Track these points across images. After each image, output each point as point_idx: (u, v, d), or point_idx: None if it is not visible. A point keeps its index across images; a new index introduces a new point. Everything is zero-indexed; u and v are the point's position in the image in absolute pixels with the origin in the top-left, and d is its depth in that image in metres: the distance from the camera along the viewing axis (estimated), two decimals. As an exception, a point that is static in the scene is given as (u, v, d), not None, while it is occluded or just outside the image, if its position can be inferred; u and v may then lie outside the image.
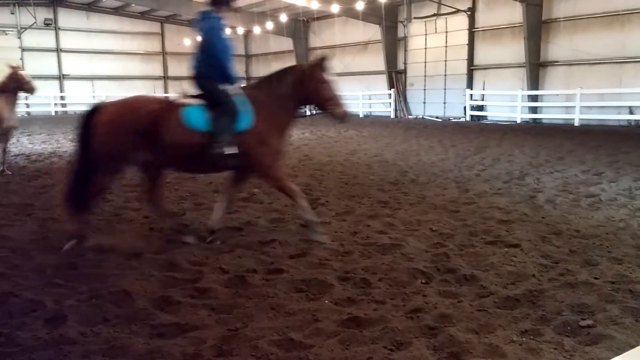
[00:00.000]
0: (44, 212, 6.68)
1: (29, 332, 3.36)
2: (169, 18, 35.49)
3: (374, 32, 28.35)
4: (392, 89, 27.81)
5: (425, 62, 26.93)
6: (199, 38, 5.37)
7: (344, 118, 5.45)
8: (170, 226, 5.68)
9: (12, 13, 30.33)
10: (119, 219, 6.36)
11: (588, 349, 3.07)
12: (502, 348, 3.07)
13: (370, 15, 26.78)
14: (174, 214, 6.36)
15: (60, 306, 3.73)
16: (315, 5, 25.39)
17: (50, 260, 4.79)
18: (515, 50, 22.54)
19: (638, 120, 18.99)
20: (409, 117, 27.16)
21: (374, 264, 4.62)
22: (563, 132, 17.28)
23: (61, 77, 33.07)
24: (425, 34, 26.74)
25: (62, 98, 33.11)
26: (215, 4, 5.36)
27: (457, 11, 24.83)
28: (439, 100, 26.44)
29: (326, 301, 3.86)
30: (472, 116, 23.95)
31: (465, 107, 24.31)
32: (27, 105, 32.03)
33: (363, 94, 28.92)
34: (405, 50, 27.92)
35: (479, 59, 24.62)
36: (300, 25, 32.95)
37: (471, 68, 24.84)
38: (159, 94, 35.46)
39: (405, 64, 28.06)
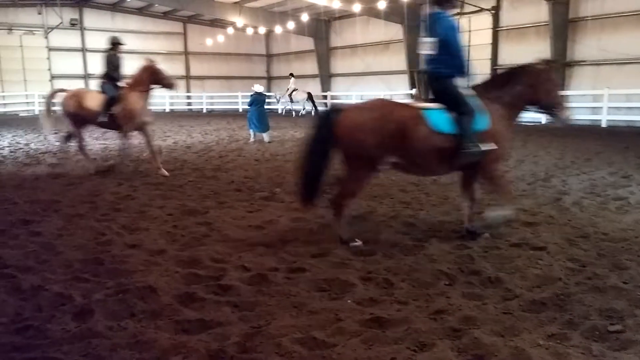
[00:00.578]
0: (71, 209, 6.81)
1: (58, 325, 3.43)
2: (192, 18, 35.78)
3: (395, 31, 28.18)
4: (414, 89, 27.61)
5: (447, 61, 26.67)
6: (431, 39, 5.35)
7: (567, 120, 5.58)
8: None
9: (39, 13, 30.88)
10: (143, 216, 6.45)
11: (617, 355, 3.02)
12: (527, 351, 3.03)
13: (392, 14, 26.62)
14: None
15: (88, 300, 3.80)
16: (336, 5, 25.35)
17: (78, 255, 4.88)
18: (540, 49, 22.10)
19: (667, 121, 18.52)
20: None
21: (397, 265, 4.60)
22: (590, 133, 16.95)
23: (86, 77, 33.62)
24: (448, 34, 26.49)
25: (87, 97, 33.67)
26: (442, 4, 5.44)
27: (481, 10, 24.54)
28: (461, 100, 26.17)
29: (348, 301, 3.86)
30: (495, 117, 23.65)
31: (488, 108, 24.01)
32: (53, 104, 32.69)
33: (384, 94, 28.78)
34: (428, 50, 27.68)
35: (502, 59, 24.29)
36: (322, 25, 32.93)
37: (495, 68, 24.50)
38: (181, 93, 35.85)
39: (427, 63, 27.83)
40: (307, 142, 5.36)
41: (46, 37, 31.92)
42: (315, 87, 33.17)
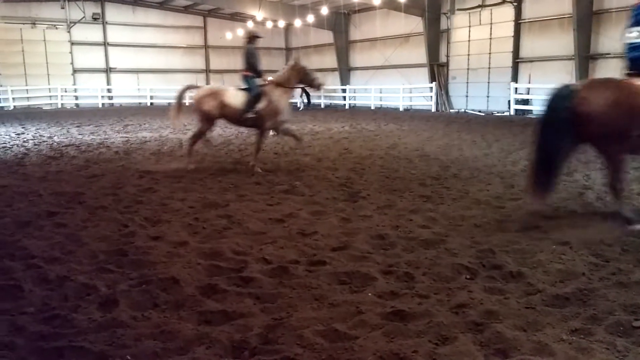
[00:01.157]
0: (94, 201, 6.92)
1: (84, 315, 3.51)
2: (211, 12, 35.96)
3: (415, 24, 27.95)
4: (434, 82, 27.40)
5: (468, 54, 26.37)
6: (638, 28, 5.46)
7: None
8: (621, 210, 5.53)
9: (62, 8, 31.32)
10: (165, 208, 6.53)
11: (642, 351, 2.97)
12: (551, 346, 3.01)
13: (412, 7, 26.41)
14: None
15: (112, 291, 3.87)
16: (356, -2, 25.25)
17: (102, 246, 4.97)
18: (563, 42, 21.80)
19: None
20: (451, 111, 26.70)
21: (417, 258, 4.58)
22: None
23: (108, 70, 34.05)
24: (469, 26, 26.18)
25: (108, 91, 34.12)
26: None
27: (503, 2, 24.19)
28: (482, 93, 25.87)
29: (369, 294, 3.86)
30: (516, 110, 23.34)
31: (509, 101, 23.72)
32: (76, 98, 33.22)
33: (404, 87, 28.61)
34: (448, 43, 27.41)
35: (525, 52, 23.94)
36: (341, 18, 32.82)
37: (517, 61, 24.19)
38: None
39: (447, 56, 27.56)
40: (540, 128, 5.38)
41: (69, 32, 32.40)
42: (334, 81, 33.12)
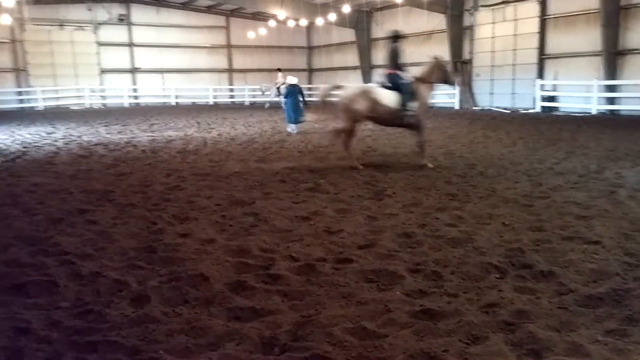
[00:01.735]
0: (124, 198, 7.04)
1: (116, 310, 3.57)
2: (234, 12, 36.18)
3: (438, 21, 27.67)
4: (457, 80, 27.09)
5: (492, 51, 26.00)
6: None
7: None
8: None
9: (89, 9, 31.90)
10: (192, 206, 6.60)
11: (681, 353, 2.90)
12: (585, 347, 2.95)
13: (435, 4, 26.16)
14: None
15: (143, 287, 3.94)
16: (379, -5, 25.11)
17: (132, 243, 5.05)
18: (590, 38, 21.34)
19: None
20: (474, 108, 26.38)
21: (445, 257, 4.55)
22: (643, 124, 16.23)
23: (133, 70, 34.54)
24: (493, 23, 25.81)
25: (134, 90, 34.62)
26: None
27: (528, -2, 23.79)
28: (506, 91, 25.50)
29: (397, 292, 3.85)
30: (542, 107, 22.95)
31: (535, 98, 23.33)
32: (103, 98, 33.80)
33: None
34: (472, 40, 27.07)
35: (550, 48, 23.50)
36: (363, 16, 32.68)
37: (542, 57, 23.75)
38: (224, 86, 36.42)
39: (471, 53, 27.23)
40: None
41: (95, 33, 32.95)
42: (356, 79, 33.00)
